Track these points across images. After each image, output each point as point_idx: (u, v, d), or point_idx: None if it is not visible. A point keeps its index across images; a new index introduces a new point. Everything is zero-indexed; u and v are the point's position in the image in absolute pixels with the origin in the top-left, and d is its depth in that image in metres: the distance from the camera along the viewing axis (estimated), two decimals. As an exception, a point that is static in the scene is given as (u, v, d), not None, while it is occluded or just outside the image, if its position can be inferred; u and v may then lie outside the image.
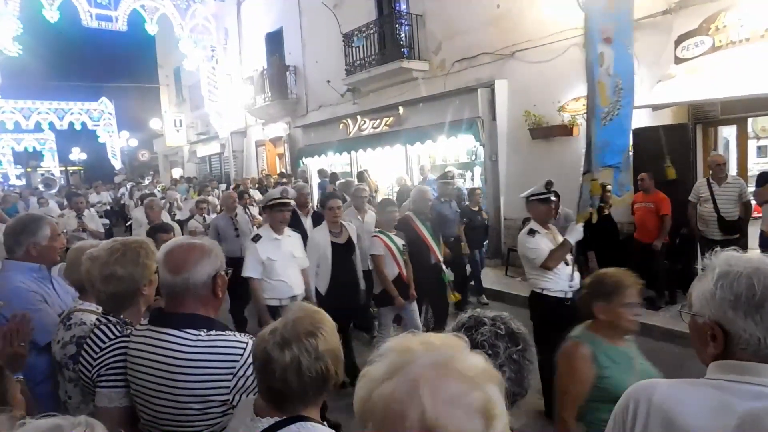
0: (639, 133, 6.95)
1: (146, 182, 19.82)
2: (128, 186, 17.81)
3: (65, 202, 13.76)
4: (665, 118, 6.96)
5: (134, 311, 1.99)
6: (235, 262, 4.43)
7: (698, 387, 1.22)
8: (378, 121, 11.53)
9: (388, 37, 10.93)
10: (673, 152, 6.55)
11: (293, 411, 1.40)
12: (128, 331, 1.89)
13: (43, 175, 25.72)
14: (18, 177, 28.35)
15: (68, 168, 33.91)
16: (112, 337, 1.88)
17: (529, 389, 1.41)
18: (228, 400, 1.62)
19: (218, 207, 9.28)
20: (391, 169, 11.85)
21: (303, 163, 14.16)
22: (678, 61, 6.55)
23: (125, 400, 1.80)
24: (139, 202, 10.29)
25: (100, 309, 2.21)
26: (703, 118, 6.94)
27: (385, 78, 11.03)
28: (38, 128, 22.81)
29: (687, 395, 1.21)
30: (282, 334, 1.38)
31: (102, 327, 1.93)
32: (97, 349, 1.85)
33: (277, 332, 1.39)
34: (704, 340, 1.22)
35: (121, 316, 1.96)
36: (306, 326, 1.40)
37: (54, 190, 18.05)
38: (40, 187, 18.53)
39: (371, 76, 11.20)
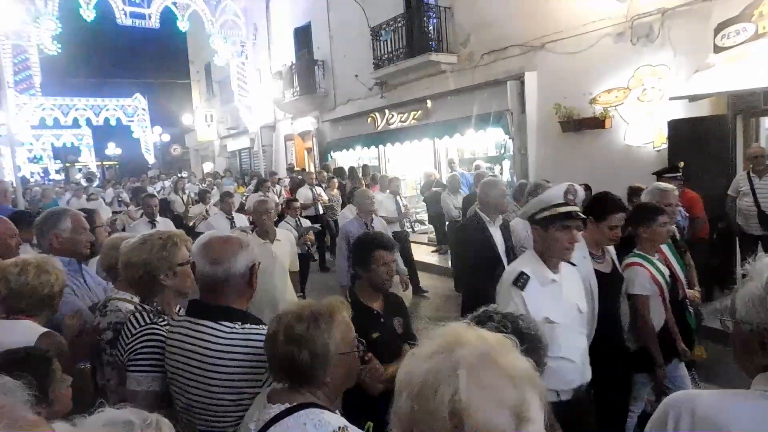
0: (675, 124, 6.76)
1: (185, 176, 20.01)
2: (168, 181, 18.03)
3: (113, 197, 14.03)
4: (703, 110, 6.74)
5: (162, 299, 2.08)
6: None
7: (748, 398, 1.15)
8: (406, 114, 11.50)
9: (416, 30, 10.86)
10: (711, 145, 6.34)
11: (300, 391, 1.47)
12: (159, 319, 1.97)
13: (80, 170, 26.56)
14: (57, 172, 29.36)
15: (104, 163, 34.93)
16: (144, 323, 1.97)
17: None
18: (260, 392, 1.66)
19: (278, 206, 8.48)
20: (419, 163, 11.84)
21: (331, 157, 14.26)
22: (717, 49, 6.31)
23: (154, 385, 1.87)
24: (196, 198, 10.31)
25: (134, 297, 2.32)
26: (744, 108, 6.68)
27: (413, 71, 10.98)
28: (76, 124, 23.51)
29: (736, 407, 1.15)
30: (293, 316, 1.49)
31: (137, 315, 2.04)
32: (130, 335, 1.95)
33: (289, 314, 1.50)
34: (751, 350, 1.15)
35: (155, 304, 2.05)
36: (320, 309, 1.51)
37: (95, 184, 18.56)
38: (82, 182, 19.07)
39: (399, 69, 11.16)
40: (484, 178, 4.28)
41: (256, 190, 10.24)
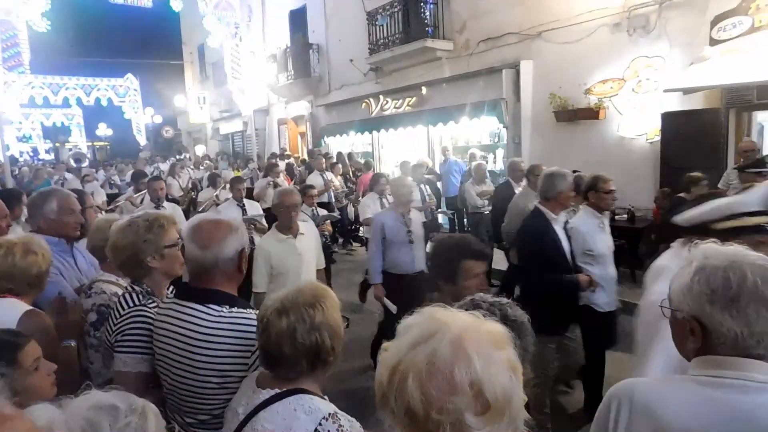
0: (668, 117, 6.78)
1: (182, 157, 19.62)
2: (165, 163, 17.67)
3: (105, 180, 13.63)
4: (697, 102, 6.75)
5: (151, 281, 2.06)
6: (409, 278, 4.20)
7: (681, 384, 1.21)
8: (400, 101, 11.44)
9: (412, 16, 10.75)
10: (703, 138, 6.36)
11: (288, 378, 1.45)
12: (149, 300, 1.96)
13: (70, 150, 26.24)
14: (47, 152, 29.02)
15: (95, 143, 34.52)
16: (132, 305, 1.96)
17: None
18: (246, 376, 1.66)
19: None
20: (413, 150, 11.79)
21: (325, 142, 14.18)
22: (713, 42, 6.31)
23: (141, 366, 1.86)
24: (206, 183, 9.85)
25: (120, 279, 2.30)
26: (738, 102, 6.70)
27: (409, 57, 10.89)
28: (66, 104, 23.19)
29: (669, 393, 1.20)
30: (282, 301, 1.45)
31: (126, 295, 2.02)
32: (118, 316, 1.94)
33: (279, 300, 1.46)
34: (684, 336, 1.21)
35: (144, 286, 2.04)
36: (307, 297, 1.46)
37: (84, 165, 18.32)
38: (71, 162, 18.81)
39: (394, 55, 11.07)
40: (547, 170, 3.67)
41: (265, 175, 9.34)
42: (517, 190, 6.75)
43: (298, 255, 3.72)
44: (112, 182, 13.38)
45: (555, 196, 3.50)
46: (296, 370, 1.45)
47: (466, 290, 2.01)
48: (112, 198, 10.86)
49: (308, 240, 3.88)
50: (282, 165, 12.08)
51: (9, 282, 2.06)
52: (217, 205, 7.66)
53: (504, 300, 1.46)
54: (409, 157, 11.32)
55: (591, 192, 3.71)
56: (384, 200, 6.46)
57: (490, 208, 6.96)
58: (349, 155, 11.55)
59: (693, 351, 1.20)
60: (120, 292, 2.26)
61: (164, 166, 17.26)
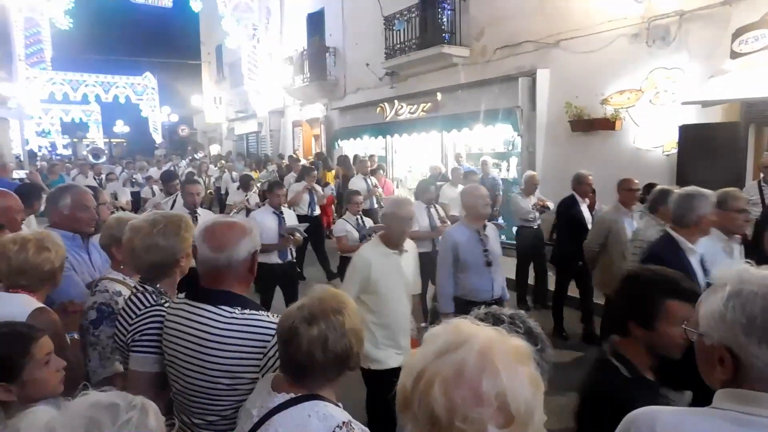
0: (686, 130, 6.69)
1: (199, 156, 19.66)
2: (184, 161, 17.75)
3: (126, 179, 13.52)
4: (715, 116, 6.66)
5: (170, 282, 2.08)
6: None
7: (706, 418, 1.12)
8: (415, 106, 11.44)
9: (429, 22, 10.77)
10: (721, 152, 6.27)
11: (312, 386, 1.45)
12: (163, 301, 1.97)
13: (88, 146, 26.61)
14: (65, 147, 29.44)
15: (111, 140, 34.97)
16: (148, 304, 1.96)
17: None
18: (257, 378, 1.66)
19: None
20: (427, 155, 11.79)
21: (338, 145, 14.22)
22: (734, 55, 6.23)
23: (156, 366, 1.87)
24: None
25: (127, 278, 2.30)
26: (758, 117, 6.61)
27: (425, 63, 10.89)
28: (85, 100, 23.58)
29: (695, 427, 1.12)
30: (310, 310, 1.44)
31: (138, 295, 2.02)
32: (134, 315, 1.94)
33: (305, 308, 1.45)
34: (712, 364, 1.12)
35: (158, 286, 2.04)
36: (332, 304, 1.46)
37: (102, 160, 18.56)
38: (90, 158, 19.05)
39: (411, 60, 11.08)
40: (682, 190, 3.15)
41: (299, 179, 8.58)
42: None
43: (402, 275, 3.32)
44: (134, 180, 13.42)
45: (695, 221, 2.93)
46: (325, 377, 1.45)
47: (667, 338, 1.65)
48: (133, 196, 10.88)
49: (410, 259, 3.48)
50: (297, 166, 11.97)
51: (22, 278, 2.08)
52: (248, 210, 7.20)
53: (522, 312, 1.44)
54: (422, 163, 11.26)
55: (719, 211, 3.11)
56: (359, 220, 5.71)
57: (539, 222, 6.69)
58: (356, 158, 11.21)
59: (721, 382, 1.11)
60: (124, 291, 2.28)
61: (184, 163, 17.24)
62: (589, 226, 5.54)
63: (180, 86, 27.84)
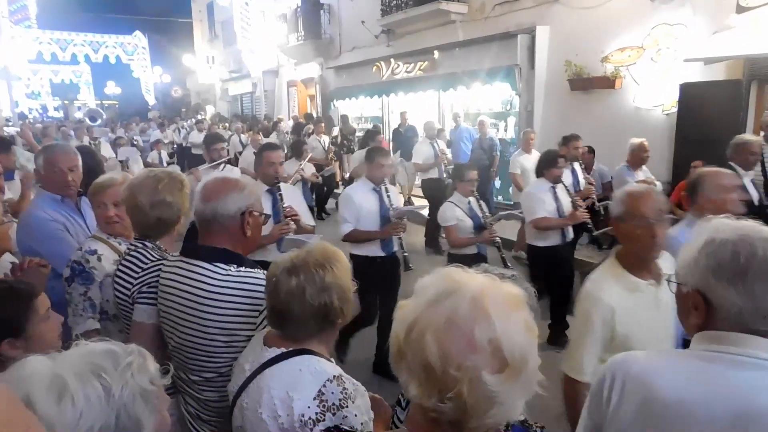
0: (687, 88, 6.59)
1: (202, 118, 19.23)
2: (188, 121, 17.34)
3: (127, 141, 12.99)
4: (717, 74, 6.54)
5: (169, 240, 2.10)
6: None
7: (679, 357, 1.19)
8: (412, 65, 11.24)
9: (426, -24, 10.42)
10: (722, 111, 6.19)
11: (299, 340, 1.46)
12: (165, 256, 1.99)
13: (80, 108, 26.14)
14: (56, 109, 28.94)
15: (103, 102, 34.39)
16: (153, 258, 1.98)
17: None
18: (253, 335, 1.67)
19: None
20: (424, 115, 11.63)
21: (334, 105, 14.02)
22: (740, 9, 6.06)
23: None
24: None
25: (110, 238, 2.30)
26: (761, 74, 6.49)
27: (422, 20, 10.61)
28: (74, 60, 23.04)
29: (666, 366, 1.18)
30: (293, 261, 1.46)
31: (140, 250, 2.03)
32: (138, 269, 1.96)
33: (289, 259, 1.47)
34: (687, 311, 1.18)
35: (157, 243, 2.06)
36: (317, 258, 1.47)
37: (98, 123, 18.23)
38: (87, 120, 18.70)
39: (407, 17, 10.78)
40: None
41: (363, 146, 7.56)
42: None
43: (662, 317, 1.84)
44: (135, 143, 13.05)
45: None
46: (304, 329, 1.46)
47: None
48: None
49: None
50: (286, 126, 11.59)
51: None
52: (305, 181, 6.49)
53: (509, 273, 1.44)
54: (419, 123, 11.14)
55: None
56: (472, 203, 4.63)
57: None
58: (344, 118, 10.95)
59: (696, 327, 1.18)
60: (101, 249, 2.24)
61: (188, 124, 16.71)
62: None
63: (171, 46, 27.13)
